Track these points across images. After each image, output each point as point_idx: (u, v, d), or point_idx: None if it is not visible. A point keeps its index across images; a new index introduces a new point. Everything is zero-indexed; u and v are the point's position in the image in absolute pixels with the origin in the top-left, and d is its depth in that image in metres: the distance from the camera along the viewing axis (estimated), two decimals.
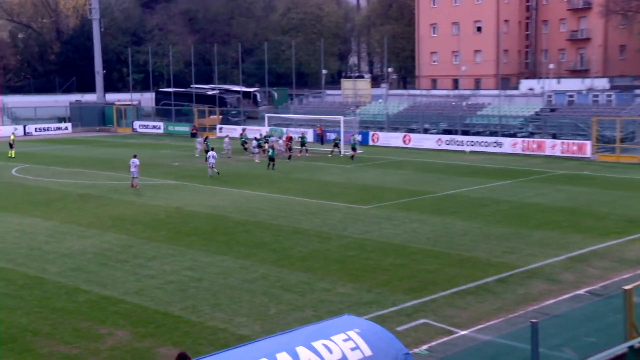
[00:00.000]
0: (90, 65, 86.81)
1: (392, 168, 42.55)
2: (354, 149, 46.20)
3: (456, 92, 67.72)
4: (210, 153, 39.33)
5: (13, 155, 49.92)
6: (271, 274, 19.64)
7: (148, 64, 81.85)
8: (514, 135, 53.75)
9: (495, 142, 51.18)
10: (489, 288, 18.27)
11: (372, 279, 19.14)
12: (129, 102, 78.70)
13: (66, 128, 74.02)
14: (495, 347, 11.51)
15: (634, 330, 10.74)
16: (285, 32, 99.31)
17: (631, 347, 10.41)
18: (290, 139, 49.51)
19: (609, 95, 59.00)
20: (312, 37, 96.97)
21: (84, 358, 14.27)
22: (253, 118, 72.83)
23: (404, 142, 55.33)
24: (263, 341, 9.09)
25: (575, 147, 47.38)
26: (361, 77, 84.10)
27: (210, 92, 78.36)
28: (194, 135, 65.99)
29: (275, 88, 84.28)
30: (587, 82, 63.72)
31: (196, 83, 79.06)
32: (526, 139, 50.57)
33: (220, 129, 65.93)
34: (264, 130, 57.65)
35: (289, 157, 45.35)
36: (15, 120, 74.91)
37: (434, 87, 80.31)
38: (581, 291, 17.99)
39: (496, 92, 63.02)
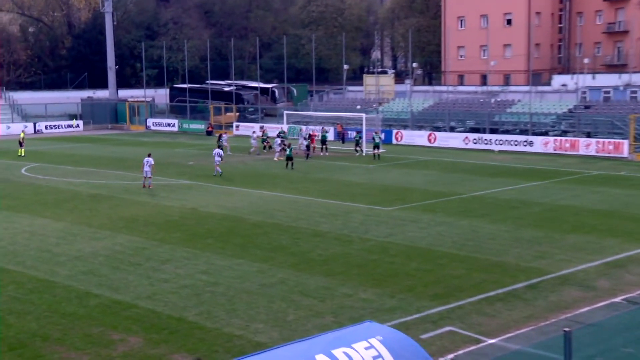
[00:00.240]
0: (102, 60, 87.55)
1: (417, 168, 42.42)
2: (376, 147, 46.08)
3: (484, 88, 67.36)
4: (216, 151, 39.66)
5: (23, 154, 50.46)
6: (290, 279, 19.65)
7: (162, 59, 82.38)
8: (545, 133, 53.36)
9: (525, 141, 50.84)
10: (519, 294, 18.14)
11: (396, 284, 19.08)
12: (142, 99, 79.26)
13: (77, 126, 74.70)
14: (525, 356, 11.42)
15: None
16: (305, 26, 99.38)
17: None
18: (313, 136, 49.81)
19: None
20: (333, 31, 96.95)
21: None
22: (271, 115, 73.03)
23: (429, 140, 55.13)
24: (281, 349, 9.09)
25: (611, 147, 46.92)
26: (384, 72, 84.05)
27: (226, 89, 78.68)
28: (209, 133, 66.33)
29: (294, 84, 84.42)
30: (625, 78, 63.06)
31: (212, 79, 79.43)
32: (559, 138, 50.17)
33: (237, 126, 66.16)
34: (284, 127, 57.72)
35: (307, 156, 45.34)
36: (25, 117, 75.77)
37: (461, 83, 79.94)
38: (617, 299, 17.80)
39: (527, 88, 62.58)
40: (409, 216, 27.80)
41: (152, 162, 34.87)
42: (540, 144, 50.09)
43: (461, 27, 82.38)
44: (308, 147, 45.87)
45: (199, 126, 70.51)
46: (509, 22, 78.63)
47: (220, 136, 47.74)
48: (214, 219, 27.84)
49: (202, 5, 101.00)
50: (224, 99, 75.59)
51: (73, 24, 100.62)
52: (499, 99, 63.09)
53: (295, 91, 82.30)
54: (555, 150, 49.14)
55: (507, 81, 76.61)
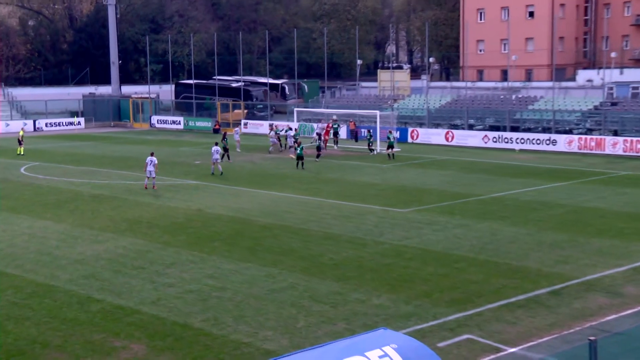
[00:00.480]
0: (105, 55, 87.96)
1: (433, 168, 42.35)
2: (390, 147, 45.98)
3: (505, 84, 67.16)
4: (214, 148, 39.79)
5: (22, 153, 50.75)
6: (300, 284, 19.67)
7: (167, 53, 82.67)
8: (569, 132, 53.13)
9: (548, 140, 50.65)
10: (541, 301, 18.08)
11: (411, 289, 19.06)
12: (147, 95, 79.55)
13: (79, 123, 75.07)
14: None
15: None
16: (317, 19, 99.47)
17: None
18: (327, 132, 49.98)
19: None
20: (346, 24, 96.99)
21: None
22: (281, 112, 73.11)
23: (447, 139, 55.04)
24: (291, 357, 9.10)
25: (639, 146, 46.67)
26: (400, 67, 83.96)
27: (234, 84, 78.82)
28: (216, 131, 66.47)
29: (305, 80, 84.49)
30: None
31: (219, 74, 79.60)
32: (583, 136, 49.95)
33: (245, 124, 66.29)
34: (295, 125, 57.77)
35: (317, 156, 45.30)
36: (25, 114, 76.21)
37: (480, 79, 79.72)
38: None
39: (550, 84, 62.34)
40: (425, 218, 27.76)
41: (156, 162, 34.95)
42: (564, 142, 49.88)
43: (481, 19, 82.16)
44: (319, 147, 45.78)
45: (206, 124, 70.69)
46: (531, 14, 78.34)
47: (224, 134, 47.85)
48: (220, 220, 27.90)
49: None
50: (231, 95, 75.75)
51: (74, 17, 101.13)
52: (520, 96, 62.87)
53: (306, 87, 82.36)
54: (579, 149, 48.92)
55: (529, 77, 76.35)
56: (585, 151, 48.55)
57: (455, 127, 58.66)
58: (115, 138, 64.55)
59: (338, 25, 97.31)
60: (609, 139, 48.47)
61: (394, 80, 70.78)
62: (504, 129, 55.30)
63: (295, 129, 52.36)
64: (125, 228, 26.82)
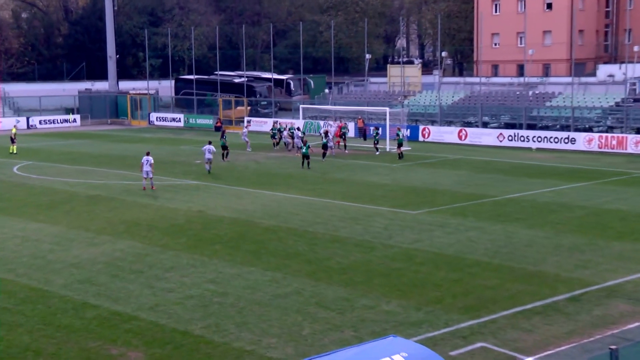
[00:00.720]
0: (101, 49, 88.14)
1: (446, 167, 42.31)
2: (400, 145, 45.83)
3: (521, 79, 67.04)
4: (206, 147, 39.82)
5: (15, 151, 50.89)
6: (305, 289, 19.68)
7: (167, 47, 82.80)
8: (589, 130, 52.99)
9: (567, 138, 50.54)
10: (559, 308, 18.04)
11: (422, 295, 19.05)
12: (145, 91, 79.69)
13: (74, 120, 75.24)
14: None
15: None
16: (324, 11, 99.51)
17: None
18: (341, 128, 49.89)
19: None
20: (354, 17, 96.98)
21: None
22: (286, 109, 73.13)
23: (460, 137, 54.97)
24: None
25: None
26: (410, 62, 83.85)
27: (237, 80, 78.87)
28: (218, 129, 66.55)
29: (311, 75, 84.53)
30: None
31: (221, 69, 79.69)
32: (604, 135, 49.82)
33: (249, 121, 66.35)
34: (300, 123, 57.80)
35: (324, 155, 45.27)
36: (18, 111, 76.41)
37: (495, 74, 79.56)
38: None
39: (569, 79, 62.20)
40: (437, 220, 27.73)
41: (152, 161, 34.86)
42: (584, 141, 49.76)
43: (496, 11, 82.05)
44: (325, 146, 45.66)
45: (207, 121, 70.78)
46: (549, 6, 78.16)
47: (223, 132, 47.88)
48: (222, 223, 27.93)
49: None
50: (234, 91, 75.81)
51: (70, 9, 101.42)
52: (537, 92, 62.74)
53: (312, 83, 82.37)
54: (600, 148, 48.79)
55: (546, 72, 76.18)
56: (605, 150, 48.41)
57: (469, 124, 58.57)
58: (113, 136, 64.68)
59: (346, 18, 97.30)
60: (631, 138, 48.33)
61: (404, 75, 70.73)
62: (520, 127, 55.19)
63: (298, 128, 52.36)
64: (123, 230, 26.87)
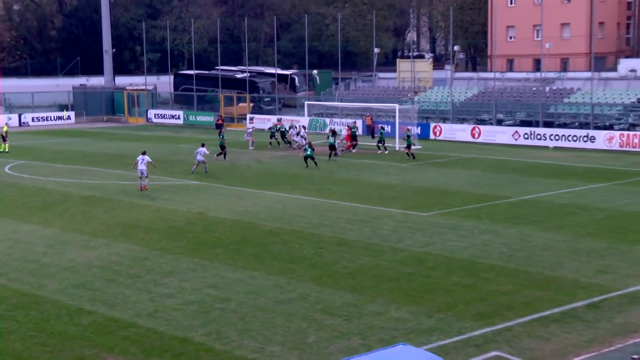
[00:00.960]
0: (97, 42, 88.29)
1: (458, 167, 42.27)
2: (408, 147, 45.44)
3: (537, 74, 66.91)
4: (199, 150, 39.76)
5: (6, 150, 51.01)
6: (311, 294, 19.69)
7: (166, 41, 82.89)
8: (610, 127, 52.88)
9: (586, 136, 50.45)
10: (578, 315, 18.01)
11: (433, 301, 19.04)
12: (143, 87, 79.82)
13: (68, 117, 75.37)
14: None
15: None
16: (330, 3, 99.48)
17: None
18: (350, 128, 49.68)
19: None
20: (361, 9, 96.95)
21: None
22: (290, 106, 73.19)
23: (473, 135, 54.92)
24: None
25: None
26: (421, 57, 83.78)
27: (239, 75, 78.97)
28: (219, 126, 66.59)
29: (316, 70, 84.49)
30: None
31: (222, 64, 79.79)
32: (625, 132, 49.72)
33: (251, 119, 66.40)
34: (305, 120, 57.82)
35: (330, 155, 45.12)
36: (9, 108, 76.56)
37: (510, 69, 79.41)
38: None
39: (588, 74, 62.08)
40: (449, 223, 27.71)
41: (150, 160, 34.84)
42: (604, 139, 49.66)
43: (511, 3, 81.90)
44: (332, 145, 45.42)
45: (208, 118, 70.85)
46: None
47: (220, 130, 47.79)
48: (224, 225, 27.96)
49: None
50: (236, 87, 75.90)
51: (64, 1, 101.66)
52: (554, 88, 62.64)
53: (317, 78, 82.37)
54: (621, 147, 48.69)
55: (564, 66, 76.01)
56: (627, 149, 48.30)
57: (483, 122, 58.50)
58: (109, 134, 64.78)
59: (353, 10, 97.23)
60: None
61: (414, 70, 70.67)
62: (537, 125, 55.10)
63: (302, 126, 52.27)
64: (120, 233, 26.92)
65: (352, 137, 49.64)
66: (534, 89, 62.29)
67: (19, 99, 76.95)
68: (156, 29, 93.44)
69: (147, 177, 34.84)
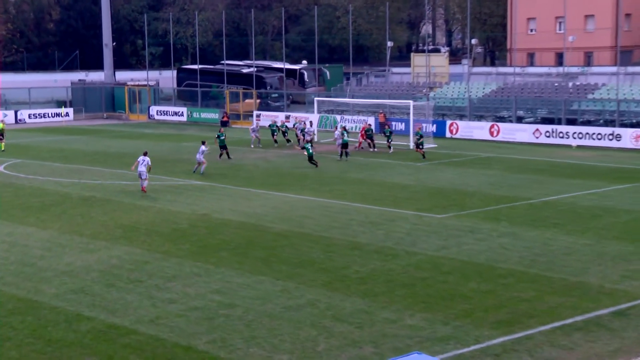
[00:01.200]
0: (96, 36, 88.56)
1: (475, 167, 42.21)
2: (418, 147, 44.86)
3: (560, 69, 66.75)
4: (202, 148, 39.61)
5: (2, 148, 51.14)
6: (320, 300, 19.68)
7: (168, 34, 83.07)
8: (636, 125, 52.69)
9: (611, 134, 50.29)
10: (603, 323, 17.95)
11: (449, 308, 19.01)
12: (145, 83, 79.99)
13: (67, 114, 75.62)
14: None
15: None
16: None
17: None
18: (365, 130, 49.38)
19: None
20: (374, 0, 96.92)
21: None
22: (299, 103, 73.18)
23: (491, 133, 54.81)
24: None
25: None
26: (437, 51, 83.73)
27: (245, 70, 79.00)
28: (224, 124, 66.70)
29: (327, 65, 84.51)
30: None
31: (228, 59, 79.81)
32: None
33: (258, 116, 66.46)
34: (315, 117, 57.81)
35: (341, 155, 44.95)
36: (5, 104, 76.78)
37: (531, 64, 79.21)
38: None
39: (614, 69, 61.87)
40: (466, 225, 27.67)
41: (149, 162, 34.68)
42: (630, 137, 49.49)
43: None
44: (345, 144, 45.18)
45: (212, 115, 70.97)
46: None
47: (220, 130, 47.68)
48: (229, 227, 27.98)
49: None
50: (242, 82, 75.95)
51: None
52: (578, 83, 62.45)
53: (328, 73, 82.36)
54: None
55: (588, 61, 75.77)
56: None
57: (502, 119, 58.37)
58: (109, 132, 64.94)
59: (365, 2, 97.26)
60: None
61: (430, 65, 70.58)
62: (559, 122, 54.95)
63: (304, 122, 52.15)
64: (120, 235, 26.97)
65: (369, 137, 49.16)
66: (556, 84, 62.11)
67: (15, 95, 77.18)
68: (158, 21, 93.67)
69: (146, 179, 34.69)
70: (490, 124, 56.01)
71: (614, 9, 71.49)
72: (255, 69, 76.56)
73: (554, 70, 69.72)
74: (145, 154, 35.05)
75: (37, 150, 51.92)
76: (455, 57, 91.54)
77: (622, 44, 62.99)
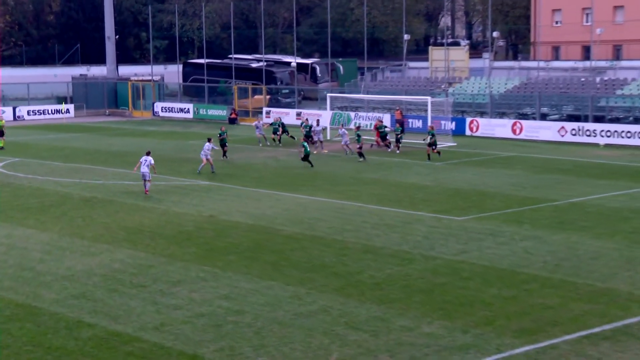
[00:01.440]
0: (99, 28, 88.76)
1: (497, 166, 42.13)
2: (430, 145, 44.21)
3: (587, 63, 66.54)
4: (207, 145, 39.57)
5: (2, 146, 51.22)
6: (333, 307, 19.68)
7: (174, 27, 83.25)
8: None
9: None
10: (633, 332, 17.89)
11: (469, 315, 18.99)
12: (149, 78, 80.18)
13: (67, 111, 75.83)
14: None
15: None
16: None
17: None
18: (377, 127, 49.07)
19: None
20: None
21: None
22: (311, 99, 73.15)
23: (514, 131, 54.67)
24: None
25: None
26: (456, 44, 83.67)
27: (254, 65, 79.07)
28: (232, 121, 66.81)
29: (340, 59, 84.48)
30: None
31: (236, 52, 79.92)
32: None
33: (268, 113, 66.50)
34: (328, 114, 57.79)
35: (360, 155, 44.47)
36: (3, 100, 76.98)
37: (556, 58, 78.99)
38: None
39: None
40: (487, 228, 27.62)
41: (153, 162, 34.68)
42: None
43: None
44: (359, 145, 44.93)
45: (220, 112, 71.05)
46: None
47: (222, 126, 47.66)
48: (238, 229, 28.02)
49: None
50: (251, 78, 76.01)
51: None
52: (606, 78, 62.23)
53: (341, 68, 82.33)
54: None
55: (617, 54, 75.51)
56: None
57: (525, 116, 58.21)
58: (111, 129, 65.12)
59: None
60: None
61: (448, 59, 70.49)
62: (586, 119, 54.76)
63: (318, 120, 52.00)
64: (123, 238, 27.04)
65: (382, 137, 48.55)
66: (583, 79, 61.90)
67: (14, 91, 77.31)
68: (163, 13, 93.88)
69: (149, 180, 34.68)
70: (512, 121, 55.85)
71: None
72: (265, 64, 76.61)
73: (580, 64, 69.48)
74: (147, 154, 35.03)
75: (36, 148, 52.11)
76: (475, 50, 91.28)
77: None
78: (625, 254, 24.15)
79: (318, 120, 50.41)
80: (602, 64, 66.67)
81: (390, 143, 48.41)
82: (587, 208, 31.06)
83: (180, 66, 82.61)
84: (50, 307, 19.99)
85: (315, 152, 46.68)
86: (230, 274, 22.55)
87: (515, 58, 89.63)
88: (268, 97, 72.42)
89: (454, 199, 33.15)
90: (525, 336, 17.62)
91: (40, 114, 74.68)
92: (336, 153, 46.35)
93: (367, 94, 65.32)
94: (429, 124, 48.78)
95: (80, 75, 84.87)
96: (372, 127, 51.05)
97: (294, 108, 67.52)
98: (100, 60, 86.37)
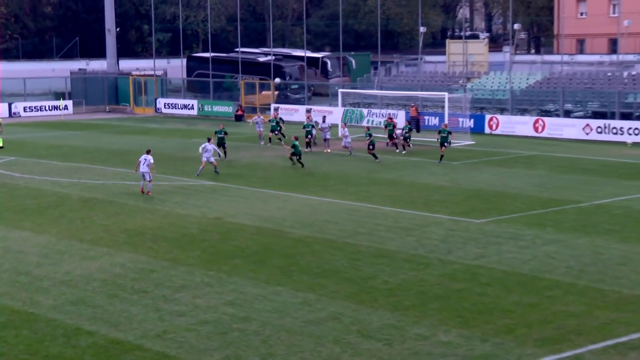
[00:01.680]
0: (98, 21, 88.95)
1: (518, 166, 42.07)
2: (442, 145, 43.91)
3: (613, 57, 66.40)
4: (205, 145, 39.33)
5: (1, 146, 51.22)
6: (345, 314, 19.69)
7: (177, 19, 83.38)
8: None
9: None
10: None
11: (488, 323, 18.97)
12: (151, 72, 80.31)
13: (65, 107, 75.97)
14: None
15: None
16: None
17: None
18: (385, 125, 48.80)
19: None
20: None
21: None
22: (321, 95, 73.19)
23: (536, 129, 54.59)
24: None
25: None
26: (475, 37, 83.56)
27: (262, 59, 79.16)
28: (239, 118, 66.86)
29: (352, 53, 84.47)
30: None
31: (243, 46, 79.97)
32: None
33: (276, 109, 66.53)
34: (339, 111, 57.78)
35: (375, 156, 44.32)
36: None
37: (581, 51, 78.83)
38: None
39: None
40: (507, 231, 27.59)
41: (152, 162, 34.66)
42: None
43: None
44: (372, 143, 44.65)
45: (226, 108, 71.10)
46: None
47: (220, 124, 47.60)
48: (244, 232, 28.04)
49: None
50: (258, 72, 76.09)
51: None
52: (634, 73, 62.07)
53: (353, 62, 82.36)
54: None
55: None
56: None
57: (547, 113, 58.14)
58: (112, 126, 65.24)
59: None
60: None
61: (467, 53, 70.42)
62: (612, 117, 54.64)
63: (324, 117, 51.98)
64: (124, 241, 27.09)
65: (389, 136, 48.24)
66: (609, 74, 61.76)
67: (9, 86, 77.33)
68: (166, 4, 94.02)
69: (149, 181, 34.70)
70: (534, 118, 55.77)
71: None
72: (273, 58, 76.64)
73: (606, 58, 69.34)
74: (148, 152, 35.03)
75: (33, 146, 52.24)
76: (495, 44, 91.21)
77: None
78: None
79: (324, 117, 50.15)
80: (630, 57, 66.51)
81: (396, 142, 47.96)
82: (614, 210, 31.00)
83: (184, 60, 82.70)
84: (48, 314, 20.04)
85: (326, 151, 46.67)
86: (237, 279, 22.57)
87: (537, 52, 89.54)
88: (276, 92, 72.34)
89: (473, 201, 33.11)
90: (547, 346, 17.59)
91: (37, 110, 74.78)
92: (341, 151, 46.20)
93: (381, 89, 65.32)
94: (445, 121, 48.71)
95: (79, 69, 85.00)
96: (383, 126, 50.88)
97: (303, 104, 67.51)
98: (100, 54, 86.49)
